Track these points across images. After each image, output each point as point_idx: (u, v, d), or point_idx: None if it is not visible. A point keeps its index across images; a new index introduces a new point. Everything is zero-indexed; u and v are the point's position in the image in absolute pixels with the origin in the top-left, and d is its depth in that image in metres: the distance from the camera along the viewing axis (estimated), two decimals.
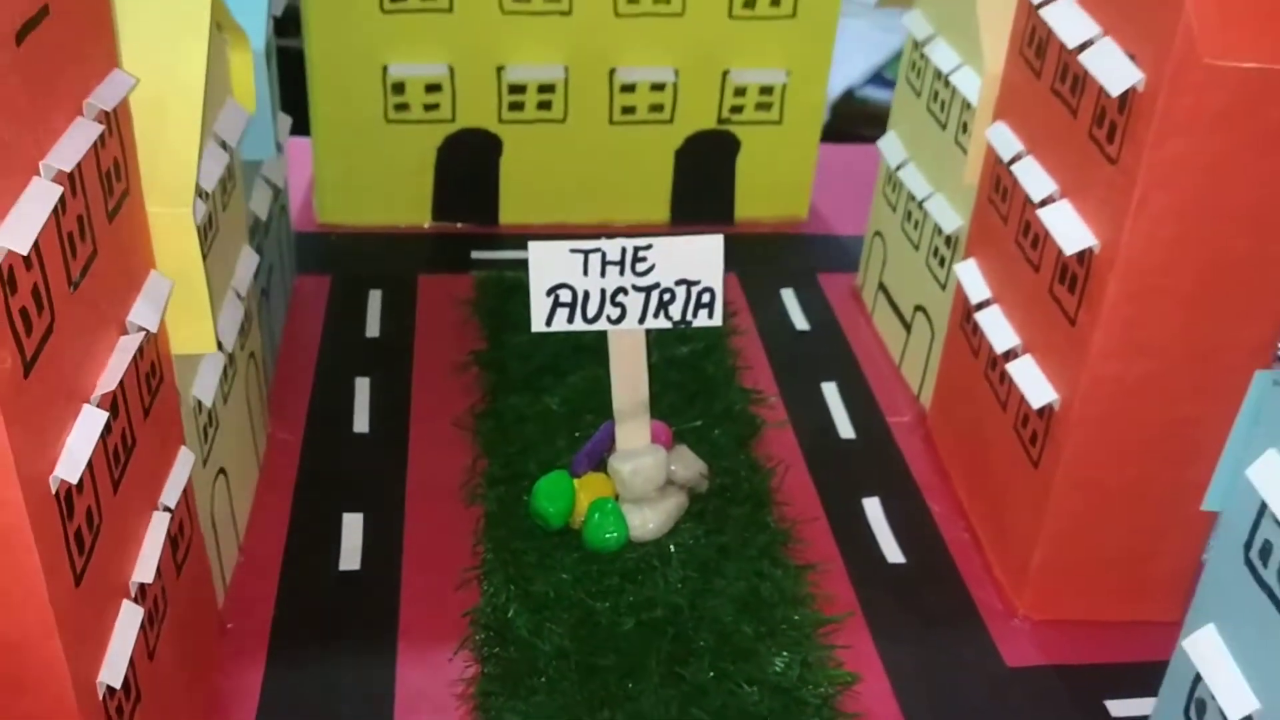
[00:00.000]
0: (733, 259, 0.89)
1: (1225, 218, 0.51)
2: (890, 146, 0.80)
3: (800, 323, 0.84)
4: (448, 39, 0.84)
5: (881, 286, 0.82)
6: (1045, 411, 0.58)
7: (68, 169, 0.37)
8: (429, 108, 0.86)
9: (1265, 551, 0.42)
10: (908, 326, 0.78)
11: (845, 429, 0.75)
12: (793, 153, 0.92)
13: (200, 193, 0.51)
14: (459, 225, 0.91)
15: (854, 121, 1.42)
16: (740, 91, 0.89)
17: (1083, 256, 0.54)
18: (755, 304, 0.85)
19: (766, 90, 0.89)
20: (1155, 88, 0.49)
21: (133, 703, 0.44)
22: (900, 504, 0.69)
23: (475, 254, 0.89)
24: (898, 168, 0.78)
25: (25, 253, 0.33)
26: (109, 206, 0.42)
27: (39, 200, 0.34)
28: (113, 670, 0.41)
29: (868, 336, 0.83)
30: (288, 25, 0.82)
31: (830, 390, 0.78)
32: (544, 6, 0.83)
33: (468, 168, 0.89)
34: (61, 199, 0.36)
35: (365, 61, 0.84)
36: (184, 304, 0.49)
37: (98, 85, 0.41)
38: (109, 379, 0.41)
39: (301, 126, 0.85)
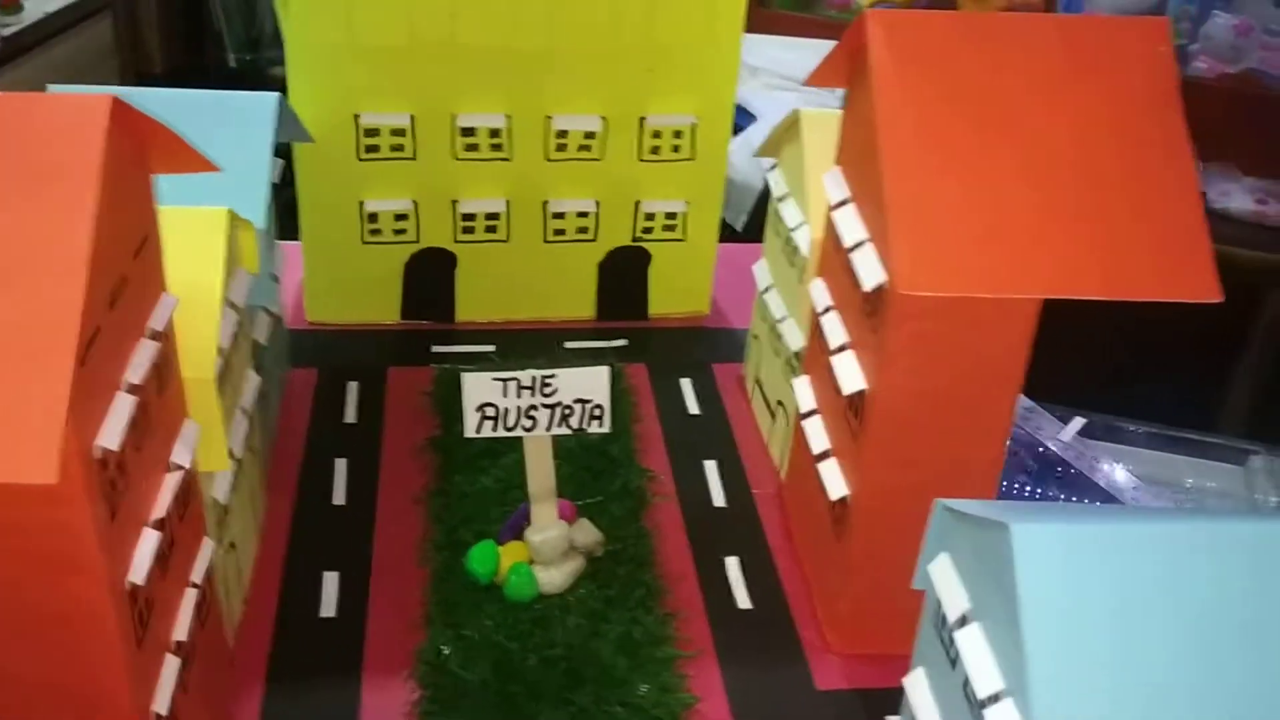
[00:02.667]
0: (645, 352, 1.11)
1: (951, 377, 0.71)
2: (761, 272, 1.00)
3: (693, 408, 1.04)
4: (412, 180, 1.04)
5: (757, 380, 1.03)
6: (840, 502, 0.79)
7: (138, 381, 0.57)
8: (398, 232, 1.06)
9: (939, 618, 0.62)
10: (773, 415, 0.98)
11: (719, 499, 0.95)
12: (694, 263, 1.12)
13: (219, 349, 0.72)
14: (423, 323, 1.12)
15: None
16: (650, 217, 1.09)
17: (859, 395, 0.75)
18: (658, 391, 1.05)
19: (671, 216, 1.09)
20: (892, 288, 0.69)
21: None
22: (754, 561, 0.89)
23: (435, 348, 1.08)
24: (764, 291, 0.98)
25: (115, 448, 0.53)
26: (159, 387, 0.63)
27: (124, 410, 0.54)
28: (161, 703, 0.61)
29: (746, 420, 1.03)
30: (286, 169, 1.02)
31: (710, 467, 0.98)
32: (489, 154, 1.03)
33: (429, 278, 1.09)
34: (134, 405, 0.56)
35: (345, 198, 1.04)
36: (207, 438, 0.70)
37: (153, 308, 0.62)
38: (160, 507, 0.61)
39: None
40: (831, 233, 0.78)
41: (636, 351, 1.09)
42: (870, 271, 0.69)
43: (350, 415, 1.00)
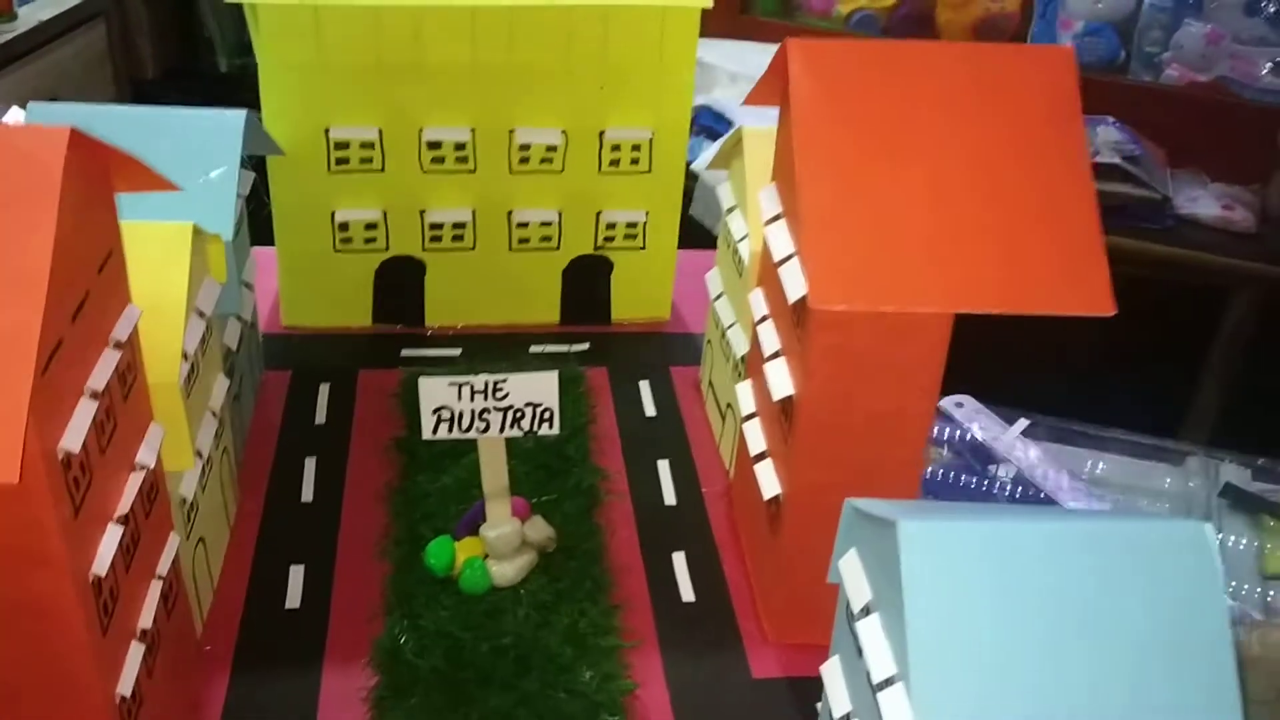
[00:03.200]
0: (606, 356, 1.16)
1: (870, 384, 0.75)
2: (713, 280, 1.05)
3: (650, 409, 1.09)
4: (381, 191, 1.09)
5: (710, 383, 1.07)
6: (774, 500, 0.83)
7: (100, 388, 0.62)
8: (368, 240, 1.11)
9: (848, 610, 0.67)
10: (723, 417, 1.03)
11: (670, 497, 0.99)
12: (655, 270, 1.17)
13: (184, 354, 0.77)
14: (395, 327, 1.17)
15: None
16: (611, 226, 1.13)
17: (788, 400, 0.79)
18: (617, 393, 1.10)
19: (631, 225, 1.13)
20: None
21: (138, 705, 0.69)
22: (700, 557, 0.94)
23: (405, 352, 1.13)
24: (715, 298, 1.03)
25: (77, 451, 0.58)
26: (124, 392, 0.67)
27: (85, 415, 0.59)
28: (125, 686, 0.66)
29: (700, 421, 1.08)
30: (259, 181, 1.07)
31: (664, 466, 1.02)
32: (455, 167, 1.08)
33: (399, 284, 1.14)
34: (96, 409, 0.61)
35: (318, 208, 1.09)
36: (173, 439, 0.74)
37: (117, 319, 0.66)
38: (124, 505, 0.66)
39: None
40: (766, 246, 0.83)
41: (598, 355, 1.14)
42: (794, 285, 0.74)
43: (321, 416, 1.05)
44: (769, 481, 0.83)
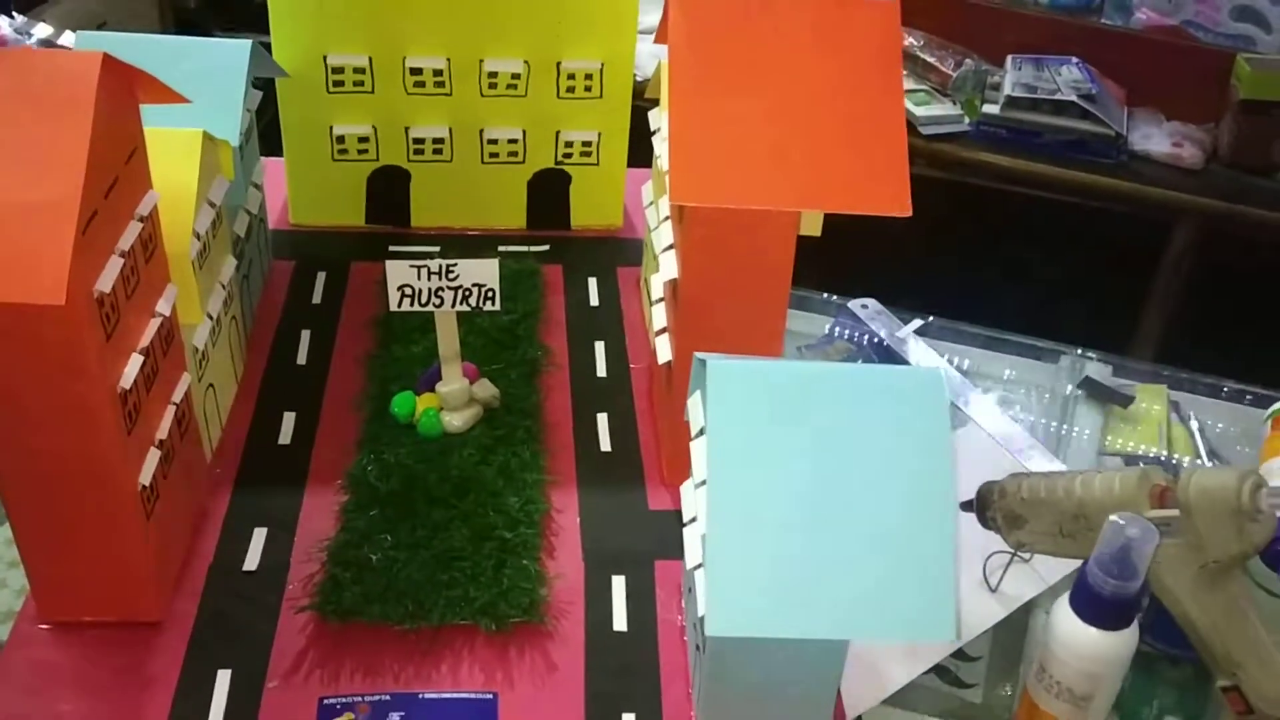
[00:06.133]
0: (563, 256, 1.35)
1: (734, 269, 0.94)
2: (646, 190, 1.23)
3: (594, 301, 1.28)
4: (371, 110, 1.28)
5: (646, 279, 1.27)
6: (667, 365, 1.03)
7: (126, 249, 0.82)
8: (361, 152, 1.31)
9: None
10: (652, 306, 1.22)
11: (601, 371, 1.19)
12: (607, 183, 1.35)
13: (195, 234, 0.97)
14: (385, 227, 1.37)
15: None
16: (569, 144, 1.32)
17: (673, 283, 0.99)
18: (568, 287, 1.29)
19: (586, 144, 1.32)
20: None
21: (155, 497, 0.90)
22: (620, 417, 1.12)
23: (392, 247, 1.34)
24: (647, 205, 1.22)
25: (108, 291, 0.79)
26: (146, 257, 0.88)
27: (115, 268, 0.80)
28: (145, 477, 0.87)
29: (636, 312, 1.27)
30: (267, 98, 1.26)
31: (599, 347, 1.21)
32: (434, 90, 1.27)
33: (388, 190, 1.34)
34: (124, 265, 0.82)
35: (318, 124, 1.28)
36: (185, 299, 0.95)
37: (141, 200, 0.87)
38: (145, 340, 0.87)
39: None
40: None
41: (556, 255, 1.34)
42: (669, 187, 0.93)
43: (317, 298, 1.26)
44: (663, 350, 1.03)
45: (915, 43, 2.36)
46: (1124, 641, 0.80)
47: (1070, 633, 0.80)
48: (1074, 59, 2.22)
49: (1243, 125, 2.15)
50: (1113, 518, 0.79)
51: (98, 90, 0.75)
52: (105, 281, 0.79)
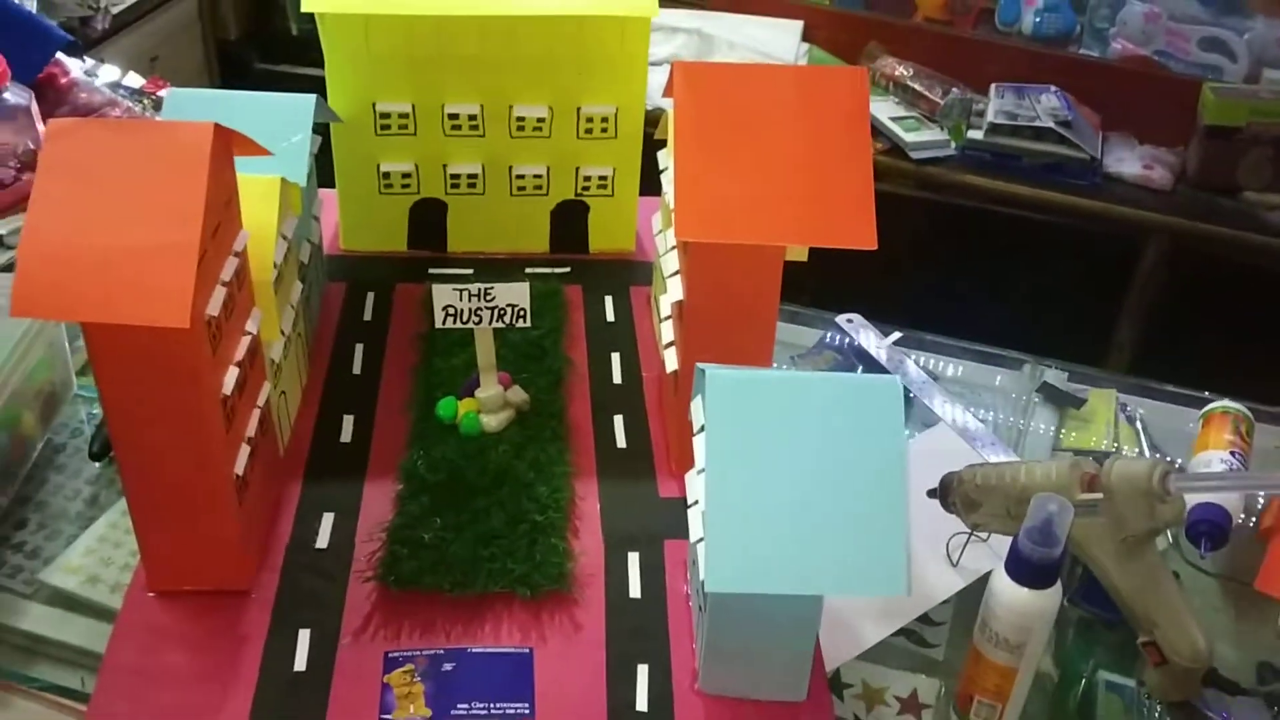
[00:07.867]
0: (582, 277, 1.52)
1: (729, 293, 1.11)
2: (655, 220, 1.41)
3: (611, 317, 1.45)
4: (414, 149, 1.45)
5: (655, 297, 1.44)
6: (674, 374, 1.20)
7: (227, 279, 1.00)
8: (404, 186, 1.48)
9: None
10: (661, 322, 1.39)
11: (617, 378, 1.36)
12: (621, 213, 1.51)
13: (275, 264, 1.15)
14: (424, 252, 1.54)
15: None
16: (587, 178, 1.49)
17: (680, 303, 1.16)
18: (587, 305, 1.45)
19: (603, 178, 1.49)
20: None
21: (245, 484, 1.07)
22: (633, 418, 1.28)
23: (431, 270, 1.50)
24: (657, 232, 1.39)
25: (216, 314, 0.96)
26: (239, 285, 1.05)
27: (220, 296, 0.97)
28: (240, 466, 1.05)
29: (647, 326, 1.44)
30: (325, 142, 1.44)
31: (615, 357, 1.38)
32: (469, 133, 1.43)
33: (428, 219, 1.51)
34: (225, 293, 0.99)
35: (367, 161, 1.45)
36: (266, 319, 1.12)
37: (235, 238, 1.04)
38: (239, 354, 1.04)
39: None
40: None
41: (577, 277, 1.51)
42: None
43: (368, 315, 1.42)
44: (671, 360, 1.20)
45: (906, 73, 2.54)
46: (1049, 598, 0.96)
47: (1005, 592, 0.97)
48: (1052, 88, 2.39)
49: (1208, 149, 2.32)
50: (1037, 496, 0.95)
51: (210, 154, 0.93)
52: (214, 307, 0.96)
